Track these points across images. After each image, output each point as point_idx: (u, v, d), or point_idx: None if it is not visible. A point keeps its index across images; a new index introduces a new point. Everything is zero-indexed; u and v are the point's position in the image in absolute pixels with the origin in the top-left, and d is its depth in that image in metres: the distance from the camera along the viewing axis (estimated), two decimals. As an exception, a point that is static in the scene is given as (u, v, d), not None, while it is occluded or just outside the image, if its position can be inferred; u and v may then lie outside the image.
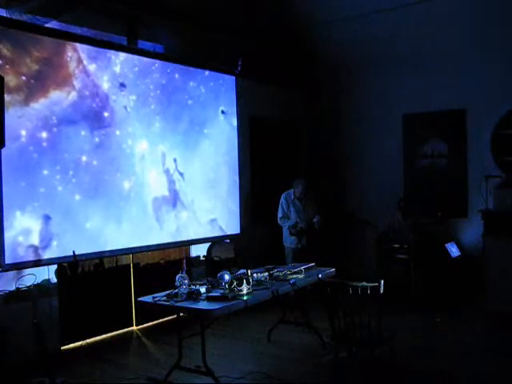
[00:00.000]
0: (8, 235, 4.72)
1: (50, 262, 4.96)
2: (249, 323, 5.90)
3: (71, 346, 5.22)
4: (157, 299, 4.09)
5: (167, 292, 4.17)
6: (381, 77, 7.74)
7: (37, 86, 5.08)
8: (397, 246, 6.87)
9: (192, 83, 6.66)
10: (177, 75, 6.45)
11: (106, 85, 5.67)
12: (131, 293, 5.81)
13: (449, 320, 5.92)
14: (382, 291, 3.81)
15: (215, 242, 6.71)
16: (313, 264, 5.31)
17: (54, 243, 5.08)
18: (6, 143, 4.13)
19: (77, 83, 5.45)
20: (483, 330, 5.63)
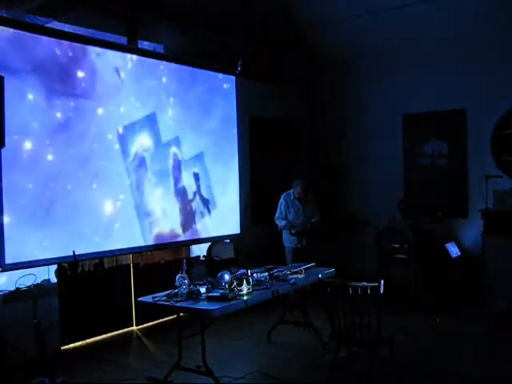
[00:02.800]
0: None
1: (49, 262, 4.91)
2: (249, 323, 5.90)
3: (71, 345, 5.21)
4: (157, 299, 4.09)
5: (167, 292, 4.17)
6: (381, 77, 7.74)
7: None
8: (397, 246, 6.87)
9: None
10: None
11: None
12: (131, 293, 5.80)
13: (449, 320, 5.92)
14: (382, 291, 3.81)
15: (215, 241, 6.70)
16: (313, 264, 5.32)
17: None
18: None
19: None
20: (483, 330, 5.63)
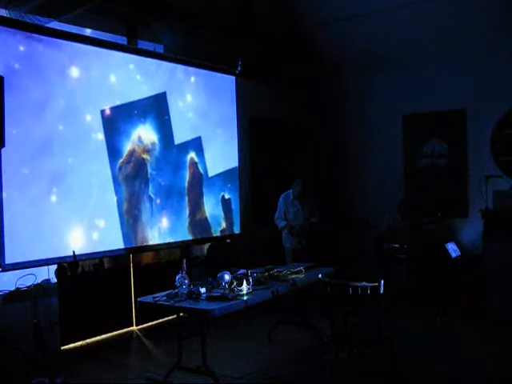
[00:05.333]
0: None
1: (50, 262, 4.90)
2: (249, 323, 5.89)
3: (71, 345, 5.21)
4: (157, 299, 4.09)
5: (167, 292, 4.18)
6: (381, 77, 7.76)
7: None
8: (397, 245, 6.87)
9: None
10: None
11: None
12: (131, 293, 5.80)
13: (449, 320, 5.92)
14: (382, 291, 3.81)
15: (215, 241, 6.69)
16: (313, 264, 5.33)
17: None
18: None
19: None
20: (483, 330, 5.62)
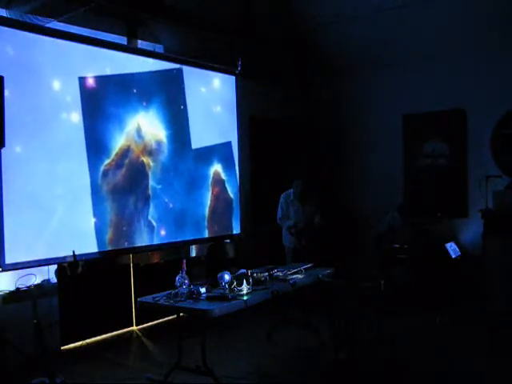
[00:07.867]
0: None
1: (49, 262, 4.91)
2: (249, 323, 5.89)
3: (71, 345, 5.21)
4: (157, 299, 4.09)
5: (167, 292, 4.19)
6: (381, 77, 7.76)
7: None
8: (397, 246, 6.87)
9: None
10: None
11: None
12: (131, 293, 5.80)
13: (449, 320, 5.92)
14: (381, 291, 3.81)
15: (215, 241, 6.69)
16: (312, 264, 5.33)
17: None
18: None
19: None
20: (483, 330, 5.63)
